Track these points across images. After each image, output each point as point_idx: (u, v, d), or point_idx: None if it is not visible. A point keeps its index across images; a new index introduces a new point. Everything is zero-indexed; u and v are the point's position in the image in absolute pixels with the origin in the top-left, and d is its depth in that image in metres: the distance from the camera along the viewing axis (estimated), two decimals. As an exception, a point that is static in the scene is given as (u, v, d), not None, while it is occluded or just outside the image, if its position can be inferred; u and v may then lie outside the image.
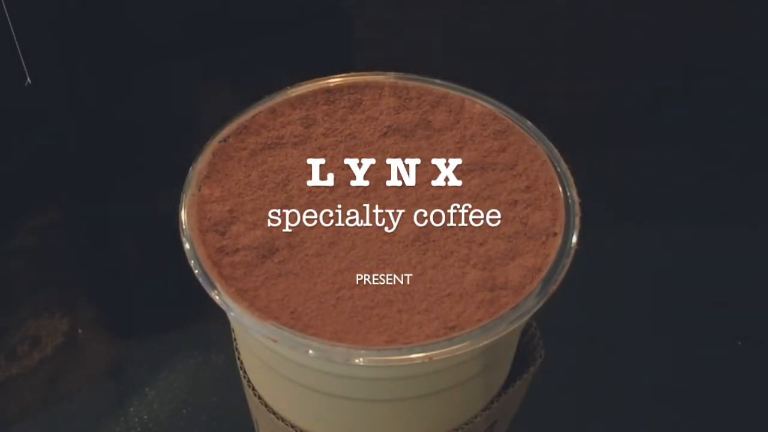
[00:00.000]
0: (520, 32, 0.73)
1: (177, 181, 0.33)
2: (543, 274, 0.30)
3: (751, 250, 0.55)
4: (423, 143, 0.35)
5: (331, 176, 0.34)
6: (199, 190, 0.33)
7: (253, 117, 0.36)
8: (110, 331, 0.53)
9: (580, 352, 0.49)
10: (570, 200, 0.33)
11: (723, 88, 0.68)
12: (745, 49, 0.71)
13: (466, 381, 0.32)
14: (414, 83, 0.37)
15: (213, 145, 0.34)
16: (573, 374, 0.47)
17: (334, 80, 0.37)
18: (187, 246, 0.31)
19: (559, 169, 0.34)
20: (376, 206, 0.33)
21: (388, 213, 0.33)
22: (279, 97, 0.36)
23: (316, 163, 0.34)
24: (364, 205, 0.33)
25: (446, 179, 0.34)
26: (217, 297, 0.30)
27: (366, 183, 0.34)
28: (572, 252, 0.31)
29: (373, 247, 0.32)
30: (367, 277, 0.31)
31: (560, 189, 0.33)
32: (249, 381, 0.35)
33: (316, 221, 0.32)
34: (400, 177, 0.34)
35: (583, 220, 0.32)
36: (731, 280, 0.53)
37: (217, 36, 0.70)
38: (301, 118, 0.36)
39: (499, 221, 0.32)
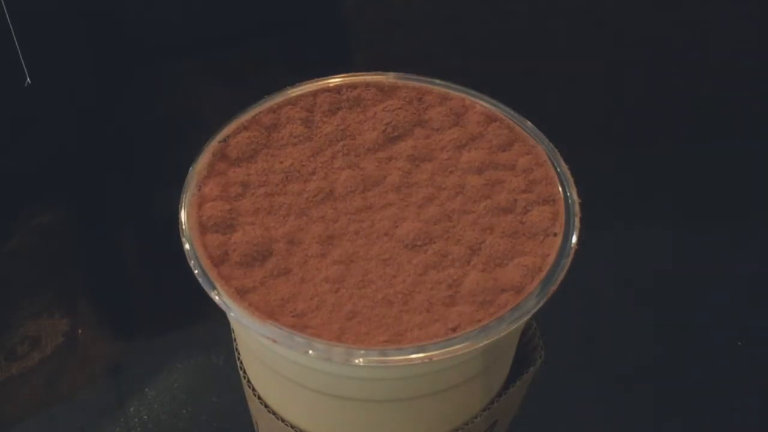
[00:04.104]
0: (520, 32, 0.73)
1: (177, 181, 0.33)
2: (543, 274, 0.30)
3: (752, 250, 0.55)
4: (423, 143, 0.35)
5: (330, 176, 0.34)
6: (199, 190, 0.33)
7: (253, 117, 0.36)
8: (110, 331, 0.53)
9: (580, 352, 0.49)
10: (570, 200, 0.33)
11: (724, 87, 0.68)
12: (746, 47, 0.71)
13: (466, 381, 0.32)
14: (414, 83, 0.37)
15: (213, 145, 0.34)
16: (573, 374, 0.47)
17: (334, 80, 0.37)
18: (186, 246, 0.31)
19: (559, 169, 0.34)
20: (376, 206, 0.33)
21: (388, 213, 0.33)
22: (279, 97, 0.36)
23: (315, 163, 0.34)
24: (364, 204, 0.33)
25: (446, 179, 0.34)
26: (217, 297, 0.30)
27: (366, 183, 0.34)
28: (572, 252, 0.31)
29: (373, 247, 0.32)
30: (367, 277, 0.31)
31: (560, 189, 0.33)
32: (249, 381, 0.35)
33: (315, 221, 0.32)
34: (400, 177, 0.34)
35: (583, 220, 0.32)
36: (731, 280, 0.53)
37: (217, 36, 0.70)
38: (301, 118, 0.36)
39: (499, 221, 0.32)
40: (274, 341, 0.29)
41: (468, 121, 0.36)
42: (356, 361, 0.28)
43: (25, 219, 0.57)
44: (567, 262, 0.31)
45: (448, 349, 0.28)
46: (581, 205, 0.33)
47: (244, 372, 0.36)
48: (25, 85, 0.55)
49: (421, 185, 0.34)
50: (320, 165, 0.34)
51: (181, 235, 0.32)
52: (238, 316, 0.29)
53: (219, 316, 0.32)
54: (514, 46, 0.72)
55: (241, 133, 0.35)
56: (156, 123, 0.65)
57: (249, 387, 0.35)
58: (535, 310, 0.30)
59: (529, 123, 0.36)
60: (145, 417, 0.47)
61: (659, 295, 0.52)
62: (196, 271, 0.31)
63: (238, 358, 0.36)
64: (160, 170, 0.60)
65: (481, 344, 0.29)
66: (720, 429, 0.47)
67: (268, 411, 0.34)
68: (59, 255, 0.57)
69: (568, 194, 0.33)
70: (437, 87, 0.37)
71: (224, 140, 0.35)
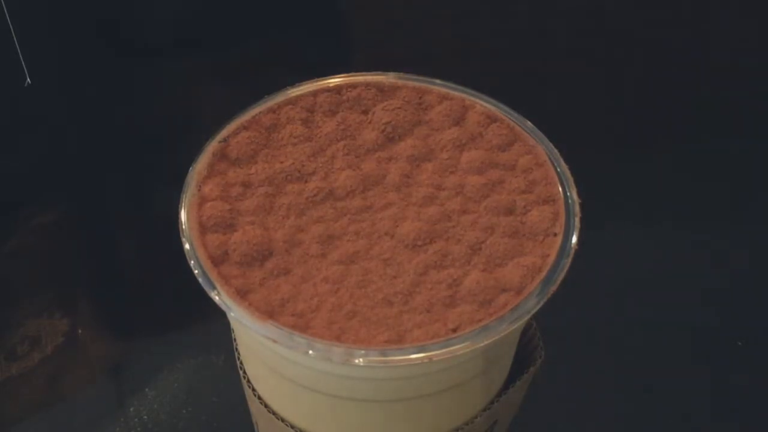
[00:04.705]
0: (521, 32, 0.73)
1: (177, 181, 0.33)
2: (543, 274, 0.30)
3: (751, 250, 0.55)
4: (423, 143, 0.35)
5: (331, 176, 0.34)
6: (199, 190, 0.33)
7: (253, 117, 0.36)
8: (110, 331, 0.53)
9: (580, 352, 0.49)
10: (570, 200, 0.33)
11: (724, 87, 0.68)
12: (746, 47, 0.71)
13: (466, 381, 0.32)
14: (414, 83, 0.37)
15: (213, 145, 0.34)
16: (573, 374, 0.47)
17: (334, 80, 0.37)
18: (187, 246, 0.31)
19: (559, 169, 0.34)
20: (377, 206, 0.33)
21: (388, 213, 0.33)
22: (279, 97, 0.36)
23: (315, 163, 0.34)
24: (364, 204, 0.33)
25: (446, 179, 0.34)
26: (217, 297, 0.30)
27: (366, 183, 0.34)
28: (572, 252, 0.31)
29: (373, 247, 0.32)
30: (367, 277, 0.31)
31: (560, 189, 0.33)
32: (249, 381, 0.35)
33: (316, 221, 0.32)
34: (400, 177, 0.34)
35: (583, 220, 0.32)
36: (731, 279, 0.53)
37: (217, 36, 0.70)
38: (301, 118, 0.36)
39: (499, 221, 0.32)
40: (274, 341, 0.29)
41: (468, 121, 0.36)
42: (356, 361, 0.28)
43: (25, 219, 0.57)
44: (567, 262, 0.31)
45: (448, 349, 0.28)
46: (581, 205, 0.33)
47: (244, 372, 0.36)
48: (25, 85, 0.55)
49: (422, 185, 0.34)
50: (320, 165, 0.34)
51: (181, 235, 0.32)
52: (238, 316, 0.29)
53: (219, 316, 0.32)
54: (514, 46, 0.72)
55: (241, 133, 0.35)
56: (156, 123, 0.65)
57: (249, 387, 0.35)
58: (535, 310, 0.30)
59: (529, 123, 0.36)
60: (145, 417, 0.47)
61: (659, 295, 0.52)
62: (196, 271, 0.31)
63: (238, 358, 0.36)
64: (160, 170, 0.60)
65: (481, 344, 0.29)
66: (720, 429, 0.47)
67: (268, 411, 0.34)
68: (59, 255, 0.57)
69: (568, 194, 0.33)
70: (437, 87, 0.37)
71: (224, 140, 0.35)
